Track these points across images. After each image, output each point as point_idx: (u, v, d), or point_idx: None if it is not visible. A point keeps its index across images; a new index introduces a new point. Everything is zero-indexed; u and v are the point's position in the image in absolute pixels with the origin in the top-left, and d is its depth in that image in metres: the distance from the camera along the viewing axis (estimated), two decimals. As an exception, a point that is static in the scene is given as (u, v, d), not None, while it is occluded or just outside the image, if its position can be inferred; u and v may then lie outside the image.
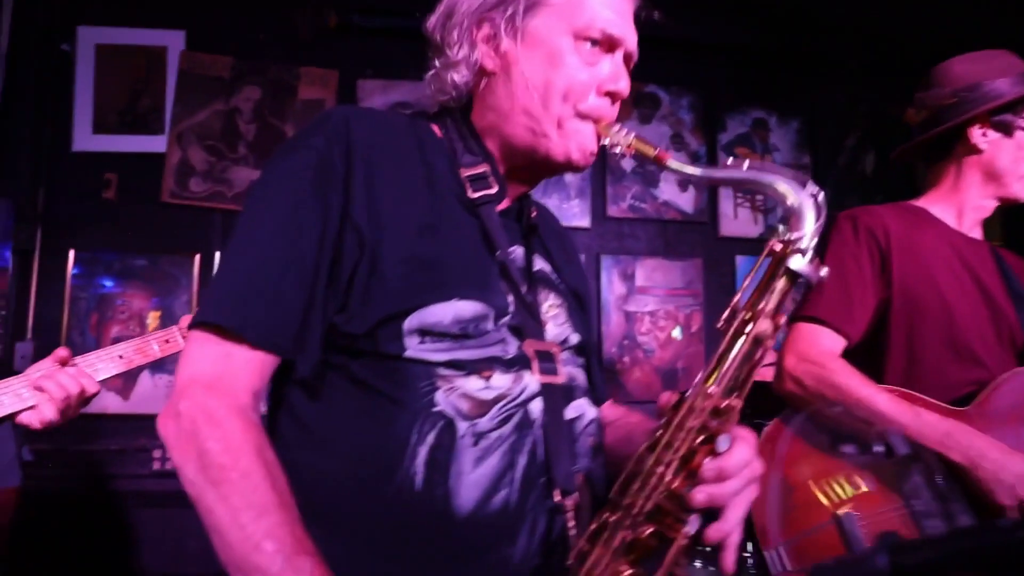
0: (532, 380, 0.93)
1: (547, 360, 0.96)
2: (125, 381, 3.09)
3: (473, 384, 0.89)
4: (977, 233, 1.79)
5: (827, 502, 1.52)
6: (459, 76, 1.07)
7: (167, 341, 1.59)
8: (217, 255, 3.18)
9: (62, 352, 1.44)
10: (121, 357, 1.51)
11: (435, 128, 1.09)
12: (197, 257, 3.17)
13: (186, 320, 1.59)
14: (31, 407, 1.37)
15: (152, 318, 3.14)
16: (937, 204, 1.78)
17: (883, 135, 3.75)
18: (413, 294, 0.90)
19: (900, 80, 3.77)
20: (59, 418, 1.37)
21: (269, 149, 3.26)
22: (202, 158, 3.22)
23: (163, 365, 3.11)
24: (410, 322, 0.89)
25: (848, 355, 1.66)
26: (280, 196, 0.93)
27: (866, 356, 1.68)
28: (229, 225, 3.20)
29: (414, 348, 0.89)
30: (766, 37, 3.56)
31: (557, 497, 0.89)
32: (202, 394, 0.84)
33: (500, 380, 0.90)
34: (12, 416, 1.36)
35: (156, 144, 3.20)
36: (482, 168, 1.03)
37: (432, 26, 1.12)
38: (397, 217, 0.93)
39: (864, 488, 1.50)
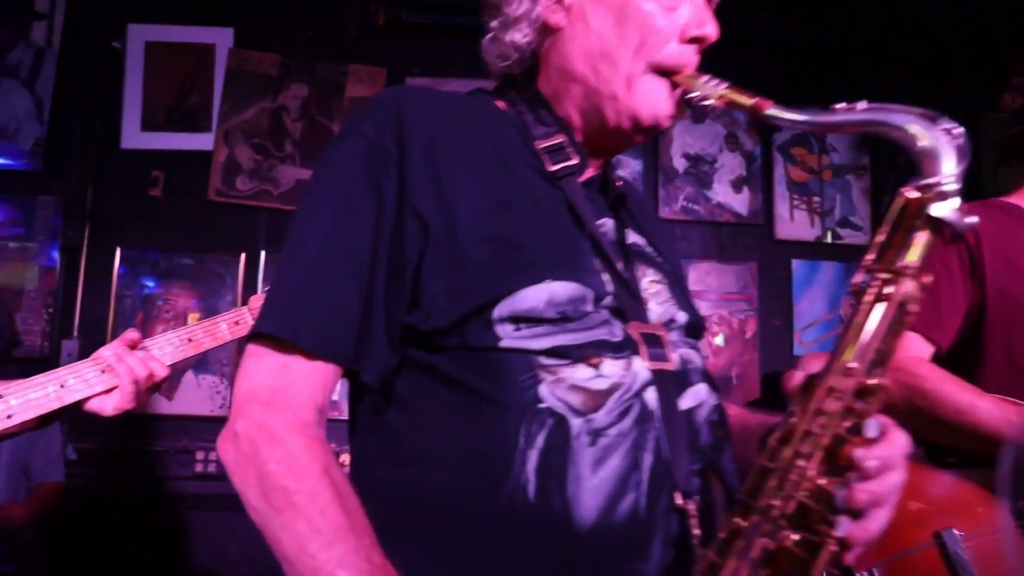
0: (642, 367, 0.81)
1: (655, 344, 0.84)
2: (169, 381, 3.06)
3: (581, 373, 0.78)
4: None
5: (927, 519, 1.39)
6: (521, 35, 0.94)
7: (236, 323, 1.49)
8: (263, 255, 3.14)
9: (132, 334, 1.36)
10: (190, 340, 1.43)
11: (498, 103, 0.99)
12: (242, 256, 3.14)
13: (256, 300, 1.52)
14: (101, 392, 1.30)
15: (193, 319, 3.10)
16: None
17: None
18: (501, 278, 0.80)
19: (960, 74, 3.64)
20: (132, 403, 1.30)
21: (316, 147, 3.22)
22: (249, 156, 3.18)
23: (207, 365, 3.08)
24: (500, 310, 0.79)
25: (939, 364, 1.54)
26: (329, 190, 0.85)
27: (959, 365, 1.55)
28: (275, 224, 3.17)
29: (510, 337, 0.79)
30: (821, 33, 3.44)
31: (679, 500, 0.78)
32: (260, 411, 0.77)
33: (611, 367, 0.79)
34: (82, 402, 1.30)
35: (203, 142, 3.18)
36: (558, 139, 0.93)
37: None
38: (469, 198, 0.83)
39: (970, 504, 1.38)
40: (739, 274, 3.39)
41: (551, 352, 0.79)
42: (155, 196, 3.15)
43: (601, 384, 0.78)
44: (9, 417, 1.21)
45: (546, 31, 0.94)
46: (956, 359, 1.56)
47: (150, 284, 3.10)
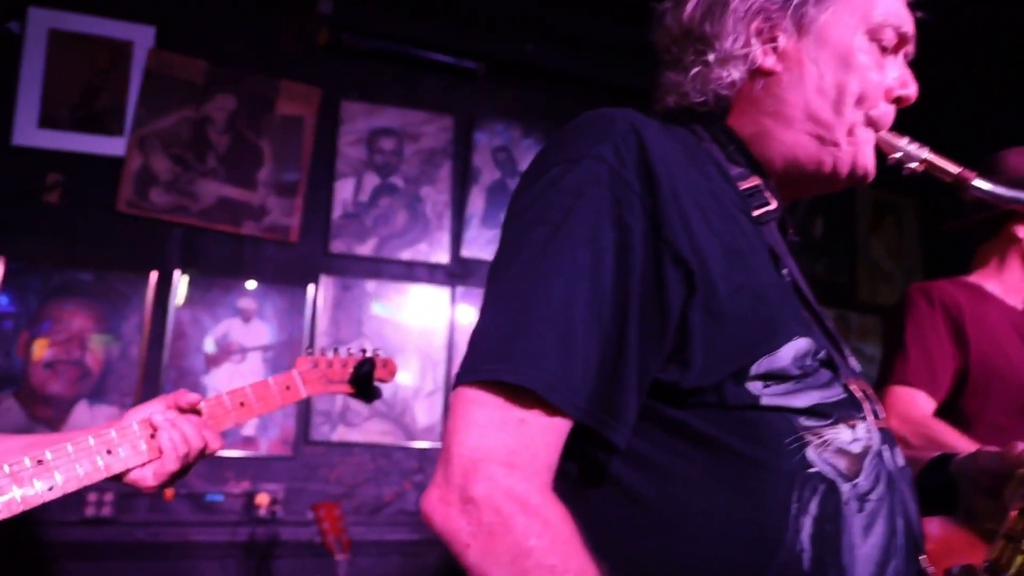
0: (873, 426, 0.80)
1: (873, 400, 0.85)
2: (56, 411, 2.71)
3: (844, 435, 0.76)
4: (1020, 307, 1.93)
5: (938, 559, 1.53)
6: (737, 73, 0.93)
7: (288, 388, 1.38)
8: (177, 274, 2.88)
9: (189, 397, 1.20)
10: (242, 404, 1.28)
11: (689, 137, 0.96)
12: (153, 275, 2.86)
13: (303, 363, 1.40)
14: (148, 461, 1.13)
15: (96, 341, 2.78)
16: (988, 281, 1.91)
17: (830, 201, 4.01)
18: (763, 335, 0.77)
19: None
20: (175, 477, 1.15)
21: (241, 163, 3.02)
22: (166, 167, 2.92)
23: (103, 393, 2.76)
24: (758, 367, 0.75)
25: None
26: (567, 220, 0.76)
27: (947, 420, 1.73)
28: (192, 242, 2.93)
29: (768, 395, 0.75)
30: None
31: (924, 561, 0.79)
32: (505, 475, 0.68)
33: (862, 429, 0.78)
34: (123, 474, 1.12)
35: (113, 146, 2.88)
36: (754, 181, 0.92)
37: (691, 15, 0.97)
38: (709, 242, 0.78)
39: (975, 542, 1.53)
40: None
41: (811, 412, 0.77)
42: (51, 202, 2.80)
43: (857, 447, 0.78)
44: (50, 489, 1.03)
45: (756, 73, 0.94)
46: (944, 418, 1.73)
47: (43, 299, 2.74)
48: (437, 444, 3.13)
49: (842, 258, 4.07)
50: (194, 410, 1.21)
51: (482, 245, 3.32)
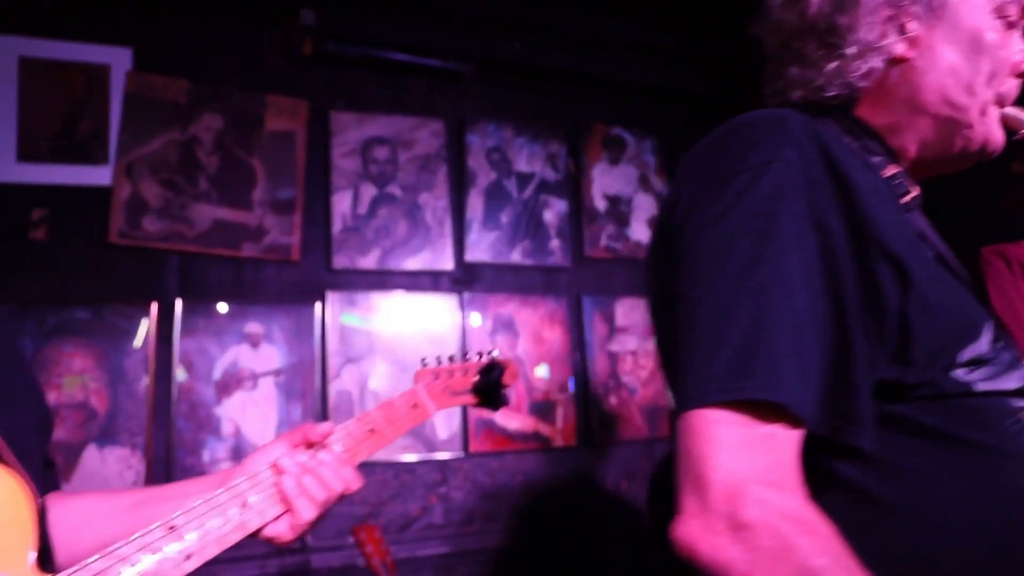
0: None
1: None
2: (65, 457, 2.57)
3: None
4: None
5: None
6: (874, 62, 0.93)
7: (415, 406, 1.22)
8: (179, 304, 2.76)
9: (322, 428, 1.05)
10: (373, 432, 1.13)
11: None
12: (154, 306, 2.73)
13: (424, 376, 1.28)
14: (284, 512, 0.99)
15: (94, 380, 2.64)
16: None
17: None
18: (968, 323, 0.78)
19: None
20: (315, 522, 1.01)
21: (234, 184, 2.92)
22: (157, 193, 2.80)
23: (113, 434, 2.63)
24: (964, 354, 0.76)
25: None
26: (772, 227, 0.74)
27: None
28: (188, 269, 2.81)
29: (978, 381, 0.76)
30: (715, 86, 3.75)
31: None
32: (773, 495, 0.65)
33: None
34: (259, 530, 0.97)
35: (99, 176, 2.75)
36: (894, 169, 0.92)
37: (819, 9, 0.96)
38: (899, 235, 0.78)
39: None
40: (659, 308, 3.56)
41: (1019, 392, 0.77)
42: (37, 239, 2.65)
43: None
44: (188, 558, 0.88)
45: (890, 62, 0.94)
46: None
47: (38, 342, 2.59)
48: (459, 454, 3.07)
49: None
50: (323, 444, 1.08)
51: (484, 249, 3.27)
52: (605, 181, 3.56)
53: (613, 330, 3.44)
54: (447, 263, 3.20)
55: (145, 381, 2.68)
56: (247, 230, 2.91)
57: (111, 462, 2.61)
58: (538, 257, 3.36)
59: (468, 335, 3.16)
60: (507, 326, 3.24)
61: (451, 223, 3.24)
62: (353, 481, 1.05)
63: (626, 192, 3.60)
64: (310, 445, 1.07)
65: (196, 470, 2.71)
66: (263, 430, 2.81)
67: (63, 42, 2.76)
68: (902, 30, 0.93)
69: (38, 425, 0.96)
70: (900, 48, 0.94)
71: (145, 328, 2.71)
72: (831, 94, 0.96)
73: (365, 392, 2.98)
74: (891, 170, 0.93)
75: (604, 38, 3.44)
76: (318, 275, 3.01)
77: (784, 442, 0.69)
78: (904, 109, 0.94)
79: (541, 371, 3.26)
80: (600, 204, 3.54)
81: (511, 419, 3.18)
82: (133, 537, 0.83)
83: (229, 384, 2.80)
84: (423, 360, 1.30)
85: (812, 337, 0.72)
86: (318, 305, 2.96)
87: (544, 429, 3.23)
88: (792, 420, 0.70)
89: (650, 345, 3.50)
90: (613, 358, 3.42)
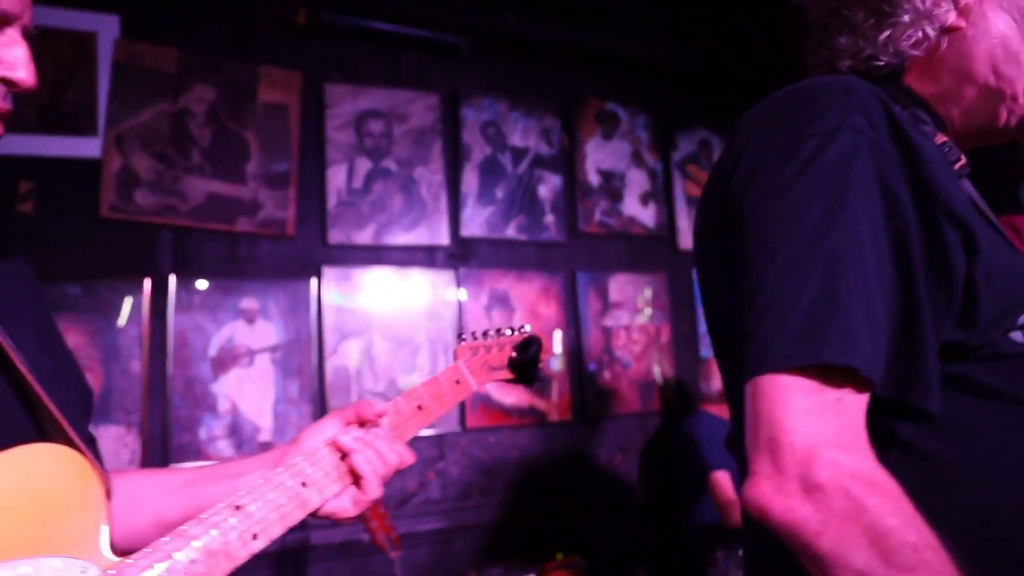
0: None
1: None
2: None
3: None
4: None
5: None
6: (927, 31, 0.93)
7: (458, 382, 1.20)
8: (172, 279, 2.71)
9: (376, 407, 1.03)
10: (420, 408, 1.11)
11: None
12: (147, 282, 2.68)
13: (464, 352, 1.26)
14: (343, 489, 0.98)
15: (87, 358, 2.59)
16: None
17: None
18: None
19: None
20: (372, 504, 0.99)
21: (229, 158, 2.85)
22: (148, 166, 2.73)
23: (108, 412, 2.59)
24: (1022, 318, 0.78)
25: None
26: (842, 194, 0.75)
27: None
28: (181, 244, 2.76)
29: None
30: (705, 60, 3.75)
31: None
32: (844, 456, 0.67)
33: None
34: (318, 508, 0.95)
35: (88, 147, 2.67)
36: (942, 138, 0.92)
37: None
38: (961, 199, 0.80)
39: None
40: (651, 283, 3.58)
41: None
42: (26, 212, 2.58)
43: None
44: (255, 537, 0.85)
45: (942, 31, 0.94)
46: None
47: (29, 320, 2.53)
48: (455, 430, 3.07)
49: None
50: (375, 423, 1.06)
51: (479, 224, 3.25)
52: (599, 156, 3.56)
53: (607, 305, 3.46)
54: (443, 238, 3.17)
55: (139, 358, 2.64)
56: (241, 204, 2.85)
57: (106, 441, 2.57)
58: (533, 232, 3.35)
59: (464, 311, 3.15)
60: (502, 301, 3.24)
61: (446, 198, 3.21)
62: (407, 456, 1.04)
63: (619, 167, 3.60)
64: (362, 423, 1.06)
65: (192, 448, 2.68)
66: (260, 407, 2.79)
67: (47, 8, 2.66)
68: (953, 1, 0.94)
69: (82, 401, 0.94)
70: (951, 17, 0.94)
71: (129, 305, 2.66)
72: (881, 63, 0.96)
73: (362, 368, 2.96)
74: (940, 138, 0.93)
75: (600, 11, 3.41)
76: (313, 250, 2.97)
77: (854, 405, 0.71)
78: (952, 79, 0.95)
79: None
80: (594, 179, 3.53)
81: (507, 394, 3.19)
82: (202, 517, 0.82)
83: (225, 361, 2.76)
84: (460, 335, 1.29)
85: (881, 302, 0.73)
86: (314, 281, 2.93)
87: (540, 404, 3.25)
88: (863, 384, 0.71)
89: (642, 320, 3.53)
90: (607, 333, 3.44)
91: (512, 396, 3.20)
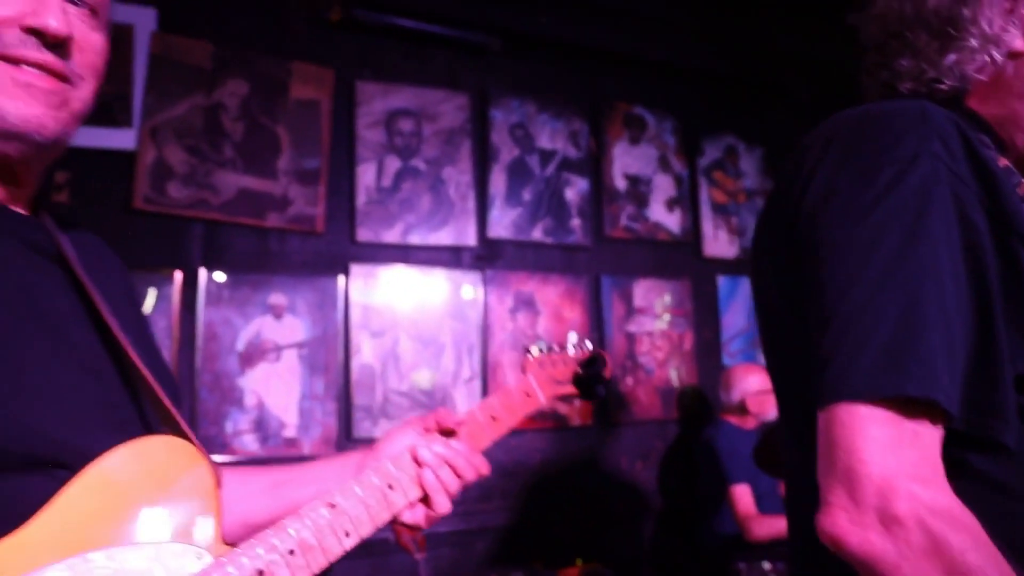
0: None
1: None
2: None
3: None
4: None
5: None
6: (995, 55, 0.93)
7: (528, 395, 1.22)
8: (202, 273, 2.71)
9: (455, 416, 1.06)
10: (494, 419, 1.13)
11: None
12: (178, 275, 2.68)
13: (532, 365, 1.27)
14: (419, 499, 1.00)
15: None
16: None
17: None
18: None
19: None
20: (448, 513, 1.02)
21: (259, 152, 2.86)
22: (182, 159, 2.74)
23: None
24: None
25: None
26: (921, 222, 0.75)
27: None
28: (213, 238, 2.76)
29: None
30: (734, 65, 3.74)
31: None
32: (923, 490, 0.67)
33: None
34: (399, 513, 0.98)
35: (123, 139, 2.68)
36: (1006, 161, 0.92)
37: (939, 0, 0.95)
38: None
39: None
40: (675, 290, 3.57)
41: None
42: (59, 202, 2.59)
43: None
44: (347, 535, 0.88)
45: (1009, 55, 0.94)
46: None
47: (60, 310, 2.54)
48: (478, 430, 3.06)
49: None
50: (453, 432, 1.08)
51: (506, 225, 3.25)
52: (626, 160, 3.55)
53: (631, 310, 3.45)
54: (470, 239, 3.17)
55: (168, 350, 2.64)
56: (272, 199, 2.86)
57: (134, 431, 2.57)
58: (559, 235, 3.35)
59: (489, 312, 3.15)
60: (528, 304, 3.24)
61: (474, 198, 3.21)
62: (483, 467, 1.06)
63: (646, 172, 3.60)
64: (441, 431, 1.07)
65: (218, 441, 2.68)
66: (286, 403, 2.79)
67: None
68: (1020, 23, 0.93)
69: (176, 391, 0.95)
70: (1019, 42, 0.94)
71: (154, 296, 2.66)
72: (944, 86, 0.96)
73: (387, 367, 2.96)
74: (1003, 162, 0.92)
75: (628, 14, 3.41)
76: (342, 247, 2.97)
77: (931, 437, 0.71)
78: (1017, 102, 0.95)
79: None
80: (620, 184, 3.53)
81: (530, 397, 3.18)
82: (300, 512, 0.84)
83: (252, 355, 2.77)
84: (528, 349, 1.31)
85: (959, 333, 0.73)
86: (341, 278, 2.93)
87: (561, 408, 3.24)
88: (940, 416, 0.71)
89: (665, 326, 3.52)
90: (630, 338, 3.43)
91: (535, 399, 3.19)
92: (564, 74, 3.46)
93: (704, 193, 3.72)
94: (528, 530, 3.11)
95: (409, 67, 3.18)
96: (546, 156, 3.38)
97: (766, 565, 2.71)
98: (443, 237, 3.12)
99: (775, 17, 3.46)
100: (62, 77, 0.77)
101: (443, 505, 1.00)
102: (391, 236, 3.03)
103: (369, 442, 2.91)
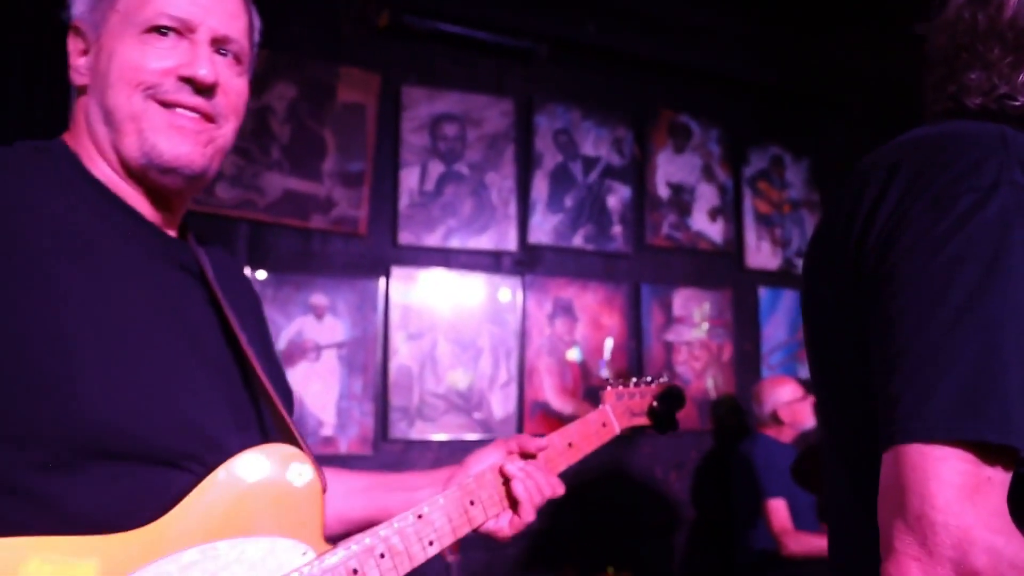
0: None
1: None
2: None
3: None
4: None
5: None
6: None
7: (604, 425, 1.28)
8: (247, 271, 2.77)
9: (538, 442, 1.14)
10: (571, 446, 1.21)
11: None
12: (224, 274, 2.74)
13: (610, 396, 1.32)
14: (501, 512, 1.10)
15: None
16: None
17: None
18: None
19: (893, 126, 4.07)
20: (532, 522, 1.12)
21: (306, 155, 2.91)
22: (231, 160, 2.79)
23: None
24: None
25: None
26: (1001, 256, 0.72)
27: None
28: (258, 238, 2.82)
29: None
30: (782, 76, 3.69)
31: None
32: (1003, 543, 0.65)
33: None
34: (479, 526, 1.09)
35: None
36: None
37: (1016, 13, 0.92)
38: None
39: None
40: (715, 300, 3.54)
41: None
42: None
43: None
44: (431, 544, 0.98)
45: None
46: None
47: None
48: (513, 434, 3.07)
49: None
50: (531, 455, 1.15)
51: (547, 231, 3.25)
52: (669, 169, 3.53)
53: (670, 320, 3.43)
54: (510, 244, 3.18)
55: (213, 347, 2.70)
56: (316, 201, 2.90)
57: (178, 425, 2.64)
58: (599, 242, 3.34)
59: (527, 318, 3.16)
60: (566, 310, 3.23)
61: (516, 204, 3.22)
62: (558, 487, 1.13)
63: (689, 181, 3.57)
64: (523, 454, 1.14)
65: (258, 437, 2.73)
66: (324, 402, 2.83)
67: (144, 3, 2.74)
68: None
69: (290, 400, 1.05)
70: None
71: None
72: (1017, 103, 0.91)
73: (425, 369, 2.99)
74: None
75: (675, 22, 3.38)
76: (384, 250, 3.01)
77: (1003, 484, 0.69)
78: None
79: (605, 351, 3.26)
80: (663, 192, 3.50)
81: (566, 403, 3.19)
82: (391, 521, 0.94)
83: (293, 354, 2.82)
84: (607, 379, 1.39)
85: None
86: (382, 280, 2.96)
87: (597, 415, 3.23)
88: (1013, 461, 0.69)
89: (704, 335, 3.48)
90: (669, 348, 3.41)
91: (570, 406, 3.19)
92: (609, 81, 3.45)
93: (748, 203, 3.68)
94: (560, 536, 3.11)
95: (455, 73, 3.20)
96: (589, 163, 3.37)
97: (801, 583, 2.67)
98: (484, 241, 3.14)
99: (824, 28, 3.40)
100: (208, 118, 0.89)
101: (529, 513, 1.09)
102: (432, 239, 3.06)
103: (406, 442, 2.93)
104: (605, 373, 3.27)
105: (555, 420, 3.15)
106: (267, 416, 0.95)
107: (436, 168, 3.11)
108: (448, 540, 1.00)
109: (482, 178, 3.18)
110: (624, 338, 3.32)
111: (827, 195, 3.87)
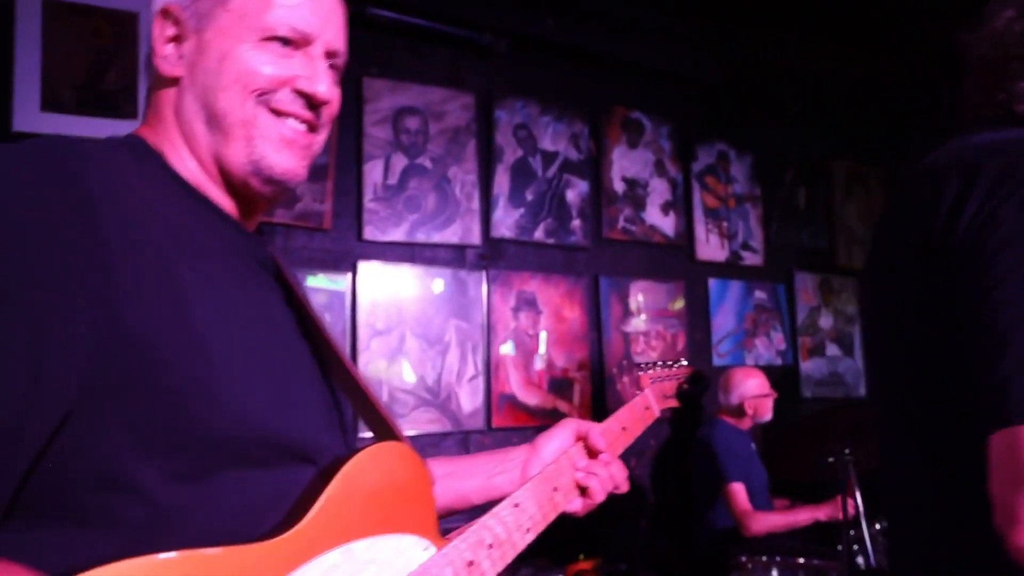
0: None
1: None
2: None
3: None
4: None
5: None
6: None
7: (647, 408, 1.30)
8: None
9: (604, 439, 1.14)
10: (624, 429, 1.22)
11: None
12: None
13: (646, 380, 1.32)
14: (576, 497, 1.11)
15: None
16: None
17: (812, 174, 4.22)
18: None
19: (828, 126, 4.30)
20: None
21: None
22: (189, 152, 2.67)
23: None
24: None
25: None
26: None
27: None
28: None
29: None
30: (728, 75, 3.83)
31: None
32: None
33: None
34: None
35: (127, 130, 2.59)
36: None
37: None
38: None
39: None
40: (669, 292, 3.64)
41: None
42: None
43: None
44: (528, 531, 0.98)
45: None
46: None
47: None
48: (481, 428, 3.08)
49: (822, 226, 4.30)
50: (598, 452, 1.16)
51: (509, 225, 3.27)
52: (623, 164, 3.60)
53: (627, 311, 3.50)
54: (474, 238, 3.18)
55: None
56: (279, 195, 2.82)
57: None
58: (560, 236, 3.38)
59: (492, 311, 3.16)
60: (530, 303, 3.26)
61: (479, 198, 3.22)
62: (623, 485, 1.16)
63: (643, 176, 3.65)
64: (590, 451, 1.14)
65: (223, 440, 2.64)
66: (292, 401, 2.76)
67: (90, -15, 2.59)
68: None
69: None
70: None
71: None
72: None
73: (393, 365, 2.95)
74: None
75: (633, 23, 3.46)
76: (348, 244, 2.95)
77: None
78: None
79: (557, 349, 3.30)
80: (619, 186, 3.58)
81: (531, 395, 3.21)
82: (495, 511, 0.95)
83: (259, 353, 2.72)
84: (641, 364, 1.41)
85: None
86: (348, 275, 2.91)
87: (562, 405, 3.28)
88: None
89: (660, 327, 3.58)
90: (627, 338, 3.48)
91: (536, 398, 3.22)
92: (566, 77, 3.49)
93: (697, 197, 3.80)
94: (528, 528, 3.13)
95: (415, 65, 3.17)
96: (548, 157, 3.40)
97: (764, 558, 2.80)
98: (448, 236, 3.13)
99: (769, 31, 3.56)
100: (313, 129, 0.89)
101: (599, 495, 1.12)
102: (397, 234, 3.02)
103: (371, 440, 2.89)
104: (540, 365, 3.30)
105: (523, 413, 3.17)
106: (361, 413, 0.95)
107: (399, 162, 3.07)
108: (541, 527, 1.02)
109: (445, 172, 3.16)
110: (585, 329, 3.38)
111: (768, 190, 4.05)
